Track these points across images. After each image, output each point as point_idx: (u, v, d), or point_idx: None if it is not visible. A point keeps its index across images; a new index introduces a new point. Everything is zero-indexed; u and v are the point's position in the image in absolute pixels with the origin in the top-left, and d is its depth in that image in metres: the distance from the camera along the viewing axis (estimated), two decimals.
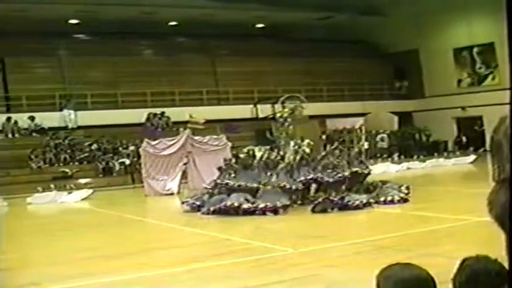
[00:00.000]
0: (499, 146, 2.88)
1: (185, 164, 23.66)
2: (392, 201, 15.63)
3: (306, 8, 37.09)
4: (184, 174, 23.82)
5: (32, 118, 31.01)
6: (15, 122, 30.71)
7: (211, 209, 15.76)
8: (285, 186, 15.75)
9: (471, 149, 36.05)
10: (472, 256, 2.71)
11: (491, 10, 32.15)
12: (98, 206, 21.36)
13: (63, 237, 14.16)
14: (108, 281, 9.05)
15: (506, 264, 2.50)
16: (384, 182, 17.04)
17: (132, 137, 31.03)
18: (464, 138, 38.38)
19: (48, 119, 31.26)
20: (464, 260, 2.70)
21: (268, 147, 18.68)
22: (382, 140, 35.15)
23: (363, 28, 41.32)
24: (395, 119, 34.74)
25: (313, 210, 15.07)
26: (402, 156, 33.68)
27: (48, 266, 10.65)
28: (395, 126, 36.27)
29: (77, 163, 29.76)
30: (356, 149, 19.82)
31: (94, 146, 30.80)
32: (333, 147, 18.33)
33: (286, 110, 19.42)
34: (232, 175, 16.75)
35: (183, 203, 17.44)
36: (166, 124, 33.21)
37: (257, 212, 15.06)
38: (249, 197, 15.59)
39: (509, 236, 2.47)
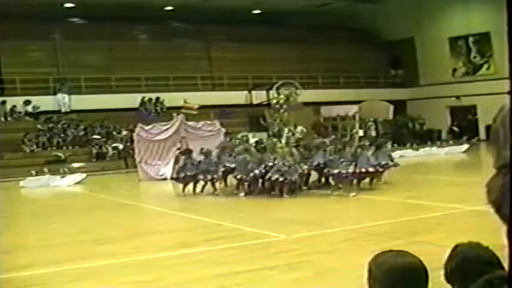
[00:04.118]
0: (496, 133, 2.90)
1: (178, 149, 23.62)
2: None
3: None
4: (177, 160, 23.77)
5: (27, 102, 31.00)
6: (14, 107, 30.66)
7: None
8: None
9: (464, 138, 36.13)
10: (464, 243, 2.72)
11: None
12: (91, 190, 21.35)
13: (56, 221, 14.17)
14: (100, 264, 9.07)
15: (503, 252, 2.51)
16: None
17: (125, 122, 30.97)
18: (457, 128, 38.43)
19: (42, 102, 31.17)
20: (456, 247, 2.72)
21: (264, 133, 18.77)
22: (369, 128, 35.13)
23: (360, 16, 41.23)
24: (391, 107, 34.69)
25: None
26: (395, 145, 33.70)
27: (40, 249, 10.68)
28: (391, 115, 36.29)
29: (70, 147, 29.71)
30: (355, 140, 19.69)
31: (88, 130, 30.80)
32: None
33: (281, 96, 19.39)
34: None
35: None
36: (161, 109, 33.18)
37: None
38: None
39: (509, 221, 2.48)
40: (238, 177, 16.70)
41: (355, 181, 16.01)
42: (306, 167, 16.51)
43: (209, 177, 17.34)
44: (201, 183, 17.57)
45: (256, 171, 16.17)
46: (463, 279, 2.61)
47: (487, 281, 2.51)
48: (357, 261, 6.53)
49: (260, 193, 16.49)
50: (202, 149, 18.45)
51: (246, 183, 16.66)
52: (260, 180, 16.60)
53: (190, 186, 17.67)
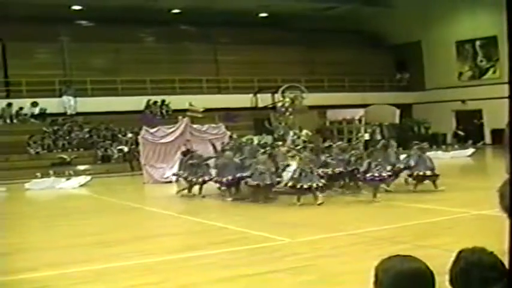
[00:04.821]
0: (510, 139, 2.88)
1: (183, 152, 23.61)
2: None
3: None
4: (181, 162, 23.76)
5: (35, 104, 31.07)
6: (21, 109, 30.70)
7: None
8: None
9: (470, 142, 36.05)
10: (469, 248, 2.71)
11: (495, 3, 32.06)
12: (96, 192, 21.35)
13: (61, 223, 14.18)
14: (104, 267, 9.06)
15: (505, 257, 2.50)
16: None
17: (131, 124, 31.01)
18: (462, 132, 38.34)
19: (47, 104, 31.24)
20: (460, 252, 2.71)
21: (270, 136, 18.72)
22: (374, 131, 35.04)
23: (366, 19, 41.23)
24: (397, 111, 34.66)
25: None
26: (400, 148, 33.58)
27: (45, 251, 10.67)
28: (397, 119, 36.26)
29: (75, 149, 29.74)
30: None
31: (93, 133, 30.86)
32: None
33: (286, 99, 19.39)
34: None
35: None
36: (166, 112, 33.20)
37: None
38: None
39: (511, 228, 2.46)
40: (215, 181, 16.80)
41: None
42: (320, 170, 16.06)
43: (190, 178, 17.54)
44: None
45: (230, 177, 16.10)
46: (467, 285, 2.60)
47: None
48: (363, 266, 6.52)
49: (241, 199, 16.38)
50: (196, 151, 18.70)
51: (225, 187, 16.64)
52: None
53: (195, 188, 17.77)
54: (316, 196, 14.71)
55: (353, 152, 17.08)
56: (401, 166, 17.01)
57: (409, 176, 16.87)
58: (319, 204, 14.49)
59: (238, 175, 16.20)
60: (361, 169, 15.54)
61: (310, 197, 14.93)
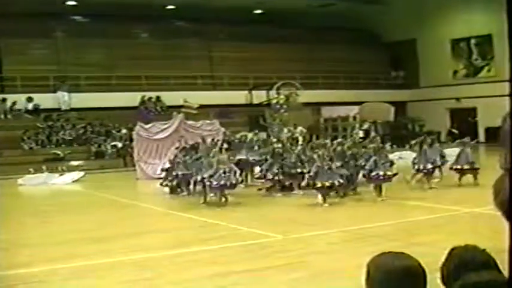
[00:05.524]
0: (506, 135, 2.88)
1: (177, 148, 23.56)
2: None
3: None
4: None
5: (29, 99, 30.97)
6: (14, 104, 30.59)
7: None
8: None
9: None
10: (461, 245, 2.70)
11: (490, 1, 32.13)
12: (89, 188, 21.33)
13: (54, 219, 14.17)
14: (97, 263, 9.05)
15: (501, 255, 2.48)
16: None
17: (125, 120, 30.93)
18: (456, 130, 38.36)
19: (42, 100, 31.13)
20: (452, 249, 2.70)
21: (264, 133, 18.68)
22: (369, 128, 35.07)
23: (362, 16, 41.20)
24: (392, 109, 34.68)
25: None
26: (394, 146, 33.66)
27: (38, 247, 10.65)
28: (392, 117, 36.30)
29: (69, 145, 29.67)
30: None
31: (87, 129, 30.78)
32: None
33: (281, 96, 19.42)
34: None
35: None
36: (161, 108, 33.15)
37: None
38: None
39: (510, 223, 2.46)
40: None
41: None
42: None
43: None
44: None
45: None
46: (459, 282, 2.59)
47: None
48: (355, 263, 6.52)
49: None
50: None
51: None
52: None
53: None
54: (325, 197, 14.24)
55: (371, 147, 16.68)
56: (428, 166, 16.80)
57: (450, 169, 16.87)
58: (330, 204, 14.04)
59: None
60: (367, 166, 15.08)
61: (302, 195, 14.87)
